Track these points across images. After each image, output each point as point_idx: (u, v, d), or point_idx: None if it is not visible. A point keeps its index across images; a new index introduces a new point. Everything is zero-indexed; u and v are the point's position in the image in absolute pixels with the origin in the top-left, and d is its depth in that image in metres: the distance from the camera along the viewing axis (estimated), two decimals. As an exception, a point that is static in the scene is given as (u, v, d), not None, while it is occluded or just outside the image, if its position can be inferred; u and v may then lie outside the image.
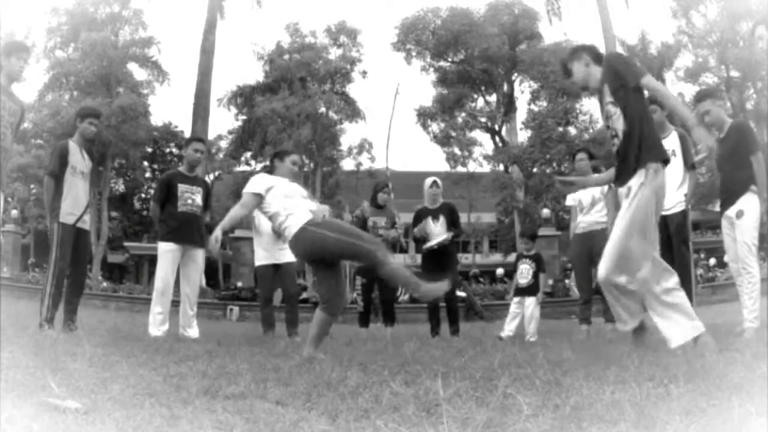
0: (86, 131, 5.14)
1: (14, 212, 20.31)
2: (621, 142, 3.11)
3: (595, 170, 5.88)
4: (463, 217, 5.96)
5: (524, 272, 6.21)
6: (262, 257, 6.00)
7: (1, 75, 4.12)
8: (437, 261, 6.04)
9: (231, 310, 13.85)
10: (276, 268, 5.95)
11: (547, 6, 25.68)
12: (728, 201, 4.64)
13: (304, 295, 15.37)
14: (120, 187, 33.44)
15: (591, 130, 26.82)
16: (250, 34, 57.58)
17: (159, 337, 4.83)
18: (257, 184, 3.65)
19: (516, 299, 6.26)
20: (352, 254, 3.48)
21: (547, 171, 26.39)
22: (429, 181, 6.33)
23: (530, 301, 6.07)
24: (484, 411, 1.75)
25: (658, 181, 3.05)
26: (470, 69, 27.06)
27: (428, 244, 6.02)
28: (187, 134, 22.34)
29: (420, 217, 6.23)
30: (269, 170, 4.00)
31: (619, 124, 3.09)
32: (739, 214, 4.51)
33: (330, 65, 27.54)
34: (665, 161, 3.17)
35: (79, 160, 5.07)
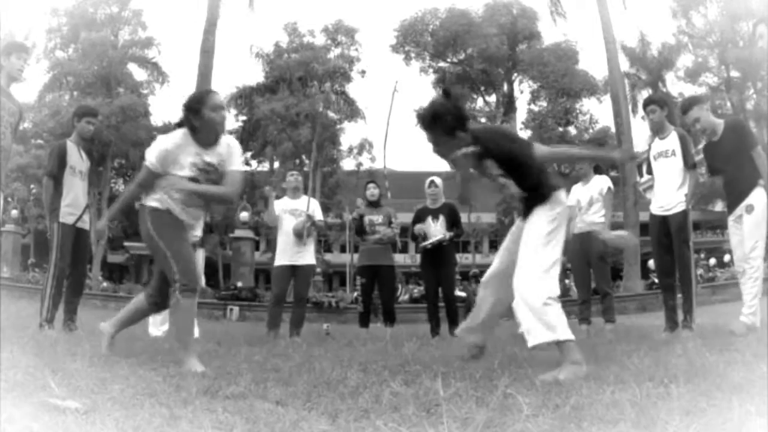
0: (84, 130, 5.13)
1: (14, 212, 20.31)
2: (522, 197, 2.91)
3: (596, 170, 5.88)
4: (464, 217, 5.96)
5: None
6: (280, 257, 5.94)
7: (1, 75, 4.11)
8: (435, 260, 6.05)
9: (231, 310, 13.83)
10: (293, 269, 5.90)
11: (550, 6, 25.66)
12: (737, 201, 4.57)
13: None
14: (120, 187, 33.44)
15: (591, 130, 26.85)
16: (250, 35, 57.55)
17: (159, 337, 4.83)
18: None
19: None
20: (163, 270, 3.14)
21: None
22: (427, 180, 6.36)
23: None
24: (484, 411, 1.74)
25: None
26: (469, 69, 27.09)
27: (423, 243, 6.04)
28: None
29: (420, 216, 6.24)
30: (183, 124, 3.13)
31: (514, 188, 2.92)
32: (749, 209, 4.45)
33: (328, 65, 27.55)
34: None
35: (77, 159, 5.06)
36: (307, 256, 5.92)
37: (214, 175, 3.11)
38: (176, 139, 3.05)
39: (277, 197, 6.24)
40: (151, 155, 3.04)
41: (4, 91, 4.07)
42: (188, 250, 3.09)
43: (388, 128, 9.98)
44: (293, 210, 5.91)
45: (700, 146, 4.96)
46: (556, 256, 2.70)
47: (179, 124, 3.12)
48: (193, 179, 3.05)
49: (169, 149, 3.03)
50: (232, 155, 3.17)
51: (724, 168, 4.71)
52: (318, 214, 6.04)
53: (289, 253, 5.85)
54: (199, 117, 3.01)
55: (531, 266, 2.67)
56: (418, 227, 6.16)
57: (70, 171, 4.99)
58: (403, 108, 22.55)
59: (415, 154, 61.79)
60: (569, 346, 2.57)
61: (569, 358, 2.54)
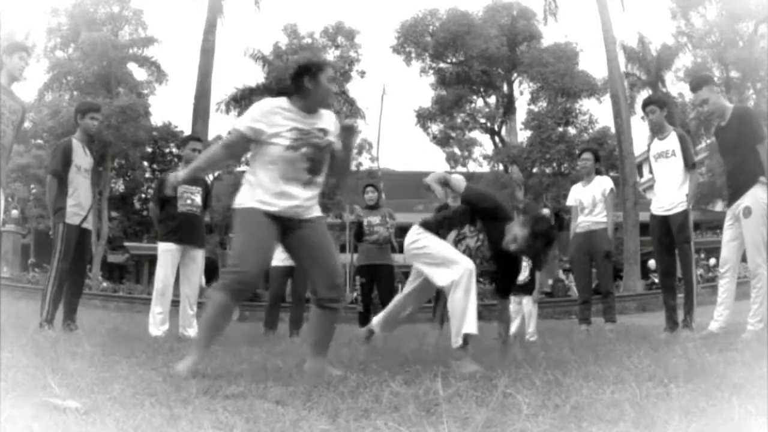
0: (89, 126, 5.10)
1: (14, 212, 20.33)
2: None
3: (598, 171, 5.90)
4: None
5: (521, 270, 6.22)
6: (276, 258, 5.94)
7: (1, 74, 4.11)
8: None
9: (231, 310, 13.84)
10: (290, 269, 5.90)
11: (544, 5, 25.72)
12: (736, 194, 4.28)
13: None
14: (120, 187, 33.41)
15: (590, 130, 26.85)
16: (250, 35, 57.56)
17: (159, 337, 4.83)
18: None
19: (514, 299, 6.26)
20: None
21: (547, 171, 26.42)
22: None
23: (527, 300, 6.06)
24: (484, 411, 1.74)
25: None
26: (469, 70, 27.08)
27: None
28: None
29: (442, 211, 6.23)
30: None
31: (472, 242, 3.56)
32: (746, 213, 4.14)
33: (326, 65, 27.43)
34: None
35: (82, 157, 5.03)
36: None
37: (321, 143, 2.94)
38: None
39: None
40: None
41: (5, 89, 4.07)
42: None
43: (380, 129, 10.01)
44: None
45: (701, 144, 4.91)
46: None
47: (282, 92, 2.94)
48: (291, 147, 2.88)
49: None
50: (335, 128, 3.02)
51: (727, 157, 4.47)
52: None
53: (285, 253, 5.86)
54: (315, 81, 2.80)
55: None
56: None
57: (75, 169, 4.96)
58: (404, 109, 22.58)
59: (412, 153, 61.85)
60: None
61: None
